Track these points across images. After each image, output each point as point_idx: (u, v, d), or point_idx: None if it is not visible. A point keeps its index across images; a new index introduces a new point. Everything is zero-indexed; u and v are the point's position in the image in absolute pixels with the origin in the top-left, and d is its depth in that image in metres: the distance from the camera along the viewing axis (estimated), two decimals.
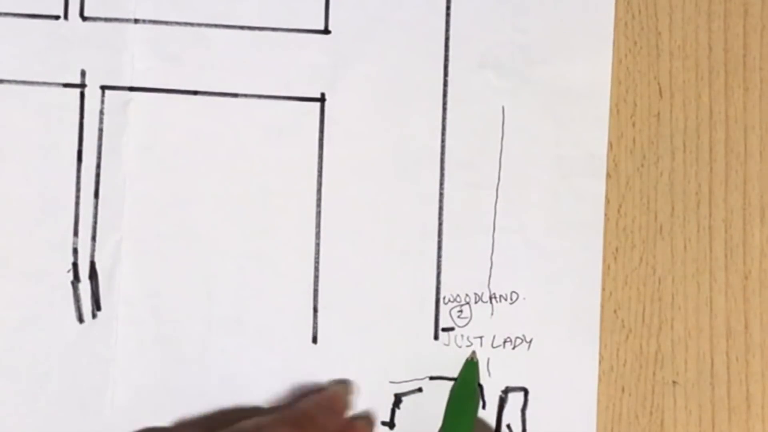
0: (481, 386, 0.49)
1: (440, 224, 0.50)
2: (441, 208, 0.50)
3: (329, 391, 0.49)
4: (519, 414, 0.49)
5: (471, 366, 0.49)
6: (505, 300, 0.49)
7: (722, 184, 0.50)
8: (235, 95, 0.50)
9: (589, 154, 0.50)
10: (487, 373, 0.49)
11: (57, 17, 0.50)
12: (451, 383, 0.49)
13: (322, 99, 0.50)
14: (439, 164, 0.50)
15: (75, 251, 0.49)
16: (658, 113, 0.50)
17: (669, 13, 0.50)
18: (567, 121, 0.50)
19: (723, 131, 0.50)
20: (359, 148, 0.50)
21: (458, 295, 0.49)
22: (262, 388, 0.49)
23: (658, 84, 0.50)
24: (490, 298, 0.49)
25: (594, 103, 0.50)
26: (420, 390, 0.49)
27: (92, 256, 0.49)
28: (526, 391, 0.49)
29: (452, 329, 0.49)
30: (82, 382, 0.49)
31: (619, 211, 0.50)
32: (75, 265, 0.49)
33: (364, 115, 0.50)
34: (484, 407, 0.49)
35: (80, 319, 0.49)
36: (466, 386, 0.49)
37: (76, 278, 0.49)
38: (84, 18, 0.50)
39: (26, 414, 0.49)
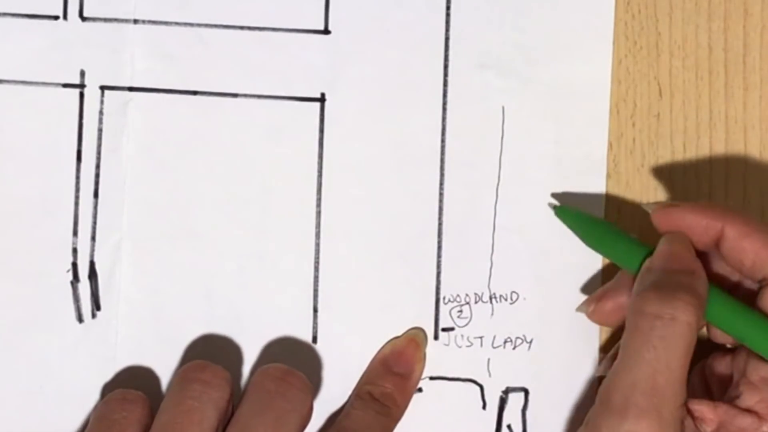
0: (481, 386, 0.49)
1: (440, 224, 0.50)
2: (441, 208, 0.50)
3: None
4: (519, 414, 0.49)
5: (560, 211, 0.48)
6: (505, 300, 0.49)
7: (722, 184, 0.50)
8: (235, 95, 0.50)
9: (589, 154, 0.50)
10: (487, 374, 0.49)
11: (56, 17, 0.50)
12: (451, 383, 0.49)
13: (322, 99, 0.50)
14: (439, 164, 0.50)
15: (74, 251, 0.49)
16: (658, 113, 0.50)
17: (669, 13, 0.50)
18: (567, 121, 0.50)
19: (723, 131, 0.50)
20: (359, 148, 0.50)
21: (458, 295, 0.49)
22: None
23: (658, 84, 0.50)
24: (490, 298, 0.49)
25: (594, 103, 0.50)
26: (420, 390, 0.49)
27: (92, 256, 0.49)
28: (526, 392, 0.49)
29: (452, 329, 0.49)
30: (82, 382, 0.49)
31: (619, 211, 0.50)
32: (74, 265, 0.49)
33: (364, 115, 0.50)
34: (484, 407, 0.49)
35: (80, 319, 0.49)
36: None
37: (76, 278, 0.49)
38: (83, 18, 0.50)
39: (26, 414, 0.49)
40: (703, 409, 0.43)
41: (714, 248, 0.45)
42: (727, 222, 0.44)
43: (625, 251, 0.46)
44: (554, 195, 0.49)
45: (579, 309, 0.48)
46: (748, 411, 0.43)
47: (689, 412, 0.43)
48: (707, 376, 0.46)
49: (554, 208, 0.49)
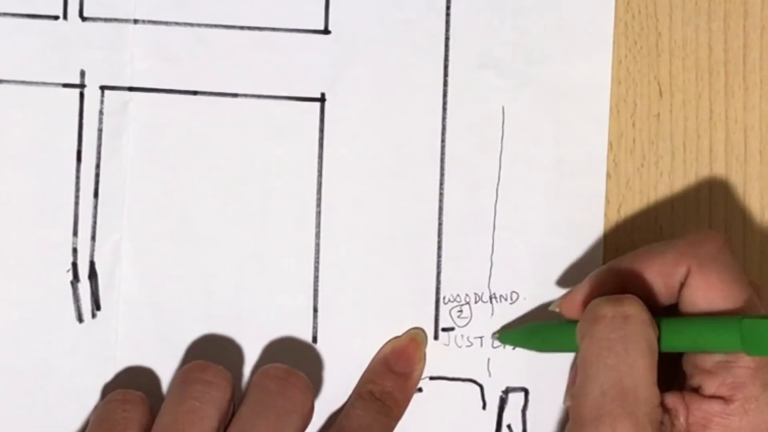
0: (481, 386, 0.49)
1: (440, 224, 0.50)
2: (441, 208, 0.50)
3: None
4: (519, 414, 0.49)
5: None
6: (505, 300, 0.49)
7: (722, 184, 0.50)
8: (235, 95, 0.50)
9: (589, 154, 0.50)
10: (487, 374, 0.49)
11: (56, 17, 0.50)
12: (451, 383, 0.49)
13: (322, 99, 0.50)
14: (439, 164, 0.50)
15: (74, 251, 0.49)
16: (658, 113, 0.50)
17: (669, 13, 0.50)
18: (567, 121, 0.50)
19: (723, 131, 0.50)
20: (359, 148, 0.50)
21: (458, 295, 0.49)
22: None
23: (658, 84, 0.50)
24: (490, 298, 0.49)
25: (594, 103, 0.50)
26: (420, 390, 0.49)
27: (92, 255, 0.49)
28: (526, 392, 0.49)
29: (452, 329, 0.49)
30: (82, 382, 0.49)
31: (619, 211, 0.50)
32: (74, 265, 0.49)
33: (364, 115, 0.50)
34: (484, 407, 0.49)
35: (80, 319, 0.49)
36: None
37: (76, 278, 0.49)
38: (83, 18, 0.50)
39: (26, 414, 0.49)
40: (675, 401, 0.43)
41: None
42: (619, 275, 0.45)
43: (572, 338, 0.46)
44: (554, 195, 0.49)
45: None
46: (713, 397, 0.43)
47: (663, 407, 0.43)
48: (692, 370, 0.46)
49: (497, 338, 0.49)
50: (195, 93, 0.50)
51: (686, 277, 0.44)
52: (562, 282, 0.49)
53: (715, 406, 0.43)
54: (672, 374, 0.45)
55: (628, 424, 0.41)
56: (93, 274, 0.49)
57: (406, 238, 0.50)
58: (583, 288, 0.46)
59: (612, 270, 0.46)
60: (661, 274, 0.44)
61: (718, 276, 0.43)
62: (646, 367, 0.42)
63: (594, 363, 0.42)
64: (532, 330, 0.48)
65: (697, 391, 0.44)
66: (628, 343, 0.42)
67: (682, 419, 0.43)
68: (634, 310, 0.42)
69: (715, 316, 0.43)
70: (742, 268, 0.45)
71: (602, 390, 0.41)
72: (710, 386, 0.43)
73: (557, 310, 0.47)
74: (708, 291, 0.43)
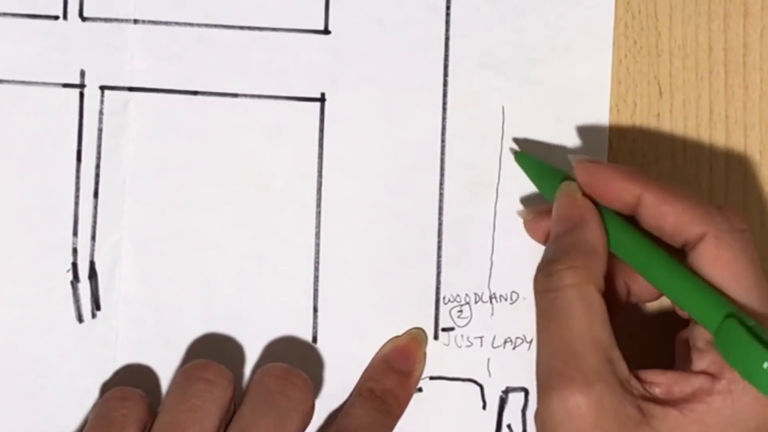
0: (481, 386, 0.49)
1: (440, 224, 0.50)
2: (441, 208, 0.50)
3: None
4: (520, 414, 0.49)
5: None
6: (505, 300, 0.49)
7: (722, 184, 0.50)
8: (235, 95, 0.50)
9: (589, 154, 0.50)
10: (487, 373, 0.49)
11: (56, 17, 0.50)
12: (451, 383, 0.49)
13: (322, 99, 0.50)
14: (439, 164, 0.50)
15: (74, 251, 0.49)
16: (658, 113, 0.50)
17: (669, 13, 0.50)
18: (567, 121, 0.50)
19: (723, 131, 0.50)
20: (359, 148, 0.50)
21: (458, 295, 0.49)
22: None
23: (658, 84, 0.50)
24: (490, 298, 0.49)
25: (594, 103, 0.50)
26: (420, 390, 0.49)
27: (92, 255, 0.49)
28: (526, 392, 0.49)
29: (452, 329, 0.49)
30: (82, 382, 0.49)
31: None
32: (74, 265, 0.49)
33: (364, 115, 0.50)
34: (484, 407, 0.49)
35: (80, 319, 0.49)
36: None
37: (76, 278, 0.49)
38: (83, 18, 0.50)
39: (26, 414, 0.49)
40: (654, 374, 0.44)
41: (635, 212, 0.45)
42: (645, 188, 0.45)
43: None
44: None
45: (520, 213, 0.49)
46: (701, 373, 0.43)
47: (638, 379, 0.44)
48: (690, 346, 0.46)
49: (514, 153, 0.49)
50: (195, 93, 0.50)
51: (698, 242, 0.44)
52: None
53: (702, 383, 0.43)
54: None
55: (577, 378, 0.43)
56: (93, 274, 0.49)
57: (406, 238, 0.50)
58: (606, 167, 0.46)
59: (637, 181, 0.45)
60: (678, 219, 0.44)
61: (734, 255, 0.43)
62: (587, 327, 0.43)
63: (542, 331, 0.45)
64: (550, 173, 0.48)
65: (688, 366, 0.44)
66: (564, 310, 0.44)
67: (657, 390, 0.44)
68: (565, 281, 0.44)
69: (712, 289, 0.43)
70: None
71: (550, 352, 0.44)
72: (700, 363, 0.44)
73: (573, 164, 0.47)
74: (715, 266, 0.43)
